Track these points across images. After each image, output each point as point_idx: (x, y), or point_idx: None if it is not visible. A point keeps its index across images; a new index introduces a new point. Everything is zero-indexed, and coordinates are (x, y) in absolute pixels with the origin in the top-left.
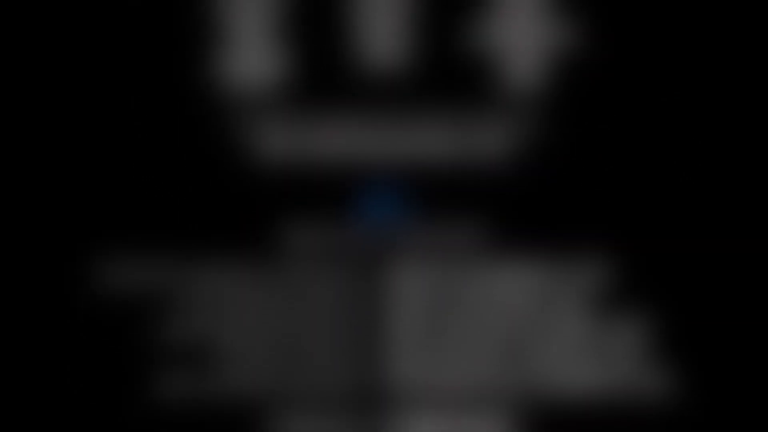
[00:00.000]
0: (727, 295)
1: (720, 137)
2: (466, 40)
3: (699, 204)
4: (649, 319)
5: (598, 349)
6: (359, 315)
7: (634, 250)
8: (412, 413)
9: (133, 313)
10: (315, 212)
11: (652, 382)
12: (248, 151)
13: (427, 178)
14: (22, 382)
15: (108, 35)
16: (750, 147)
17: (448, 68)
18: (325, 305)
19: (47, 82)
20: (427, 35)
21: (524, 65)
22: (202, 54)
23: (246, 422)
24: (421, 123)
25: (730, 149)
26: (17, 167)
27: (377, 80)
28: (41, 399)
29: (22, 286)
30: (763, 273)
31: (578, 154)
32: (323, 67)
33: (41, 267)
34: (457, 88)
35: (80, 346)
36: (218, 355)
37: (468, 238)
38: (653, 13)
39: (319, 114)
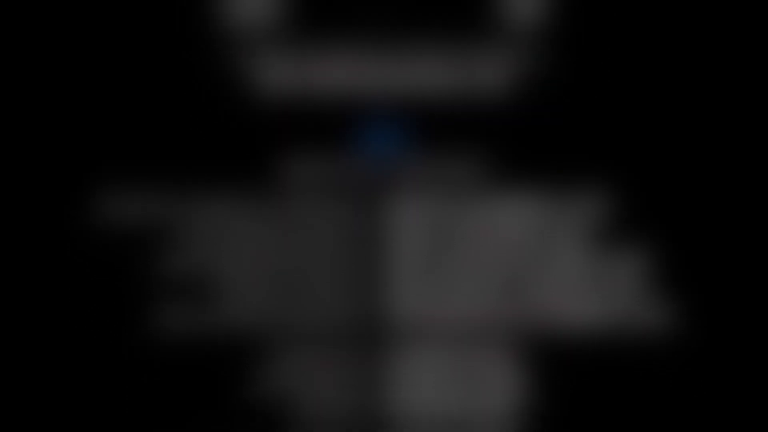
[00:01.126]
0: (726, 227)
1: (723, 72)
2: None
3: (700, 136)
4: (649, 251)
5: (598, 281)
6: (359, 248)
7: (634, 182)
8: (413, 347)
9: (133, 245)
10: (315, 145)
11: (652, 314)
12: (248, 84)
13: (426, 110)
14: (21, 314)
15: None
16: (752, 84)
17: (449, 0)
18: (324, 238)
19: (49, 13)
20: None
21: None
22: None
23: (246, 355)
24: (421, 56)
25: (733, 85)
26: (18, 98)
27: (377, 14)
28: (41, 331)
29: (23, 218)
30: (763, 205)
31: (579, 86)
32: (323, 0)
33: (41, 199)
34: (458, 20)
35: (80, 278)
36: (218, 288)
37: (468, 171)
38: None
39: (319, 48)
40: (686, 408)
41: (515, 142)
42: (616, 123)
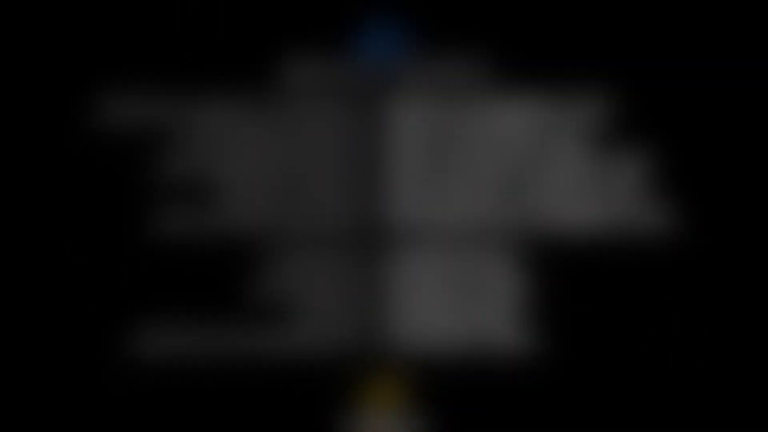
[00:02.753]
0: (725, 130)
1: None
2: None
3: (699, 40)
4: (649, 154)
5: (598, 184)
6: (359, 151)
7: (634, 86)
8: (412, 250)
9: (134, 149)
10: (315, 47)
11: (651, 216)
12: None
13: (427, 11)
14: (22, 213)
15: None
16: None
17: None
18: (324, 142)
19: None
20: None
21: None
22: None
23: (245, 259)
24: None
25: None
26: (17, 5)
27: None
28: (42, 229)
29: (25, 121)
30: (763, 111)
31: None
32: None
33: (44, 104)
34: None
35: (81, 181)
36: (218, 192)
37: (469, 73)
38: None
39: None
40: (684, 307)
41: (517, 44)
42: (617, 27)
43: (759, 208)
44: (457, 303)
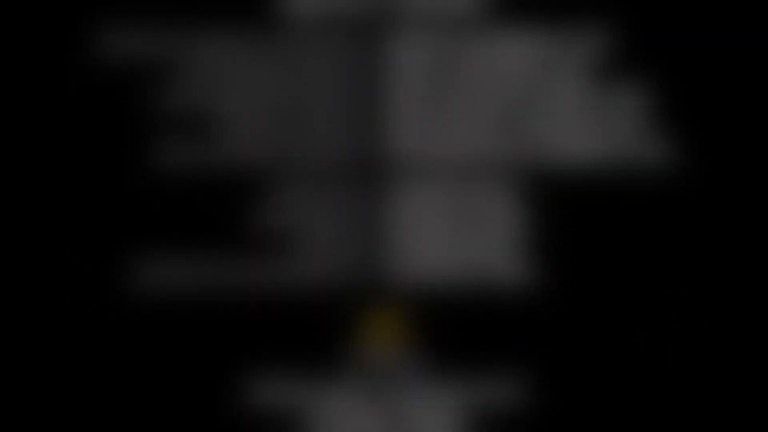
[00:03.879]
0: (727, 61)
1: None
2: None
3: None
4: (649, 86)
5: (598, 116)
6: (359, 83)
7: (635, 16)
8: (412, 182)
9: (133, 82)
10: None
11: (652, 149)
12: None
13: None
14: (22, 149)
15: None
16: None
17: None
18: (324, 73)
19: None
20: None
21: None
22: None
23: (245, 191)
24: None
25: None
26: None
27: None
28: (41, 165)
29: (24, 55)
30: (763, 41)
31: None
32: None
33: (39, 33)
34: None
35: (81, 115)
36: (218, 124)
37: (469, 5)
38: None
39: None
40: (684, 242)
41: None
42: None
43: (761, 140)
44: (457, 235)
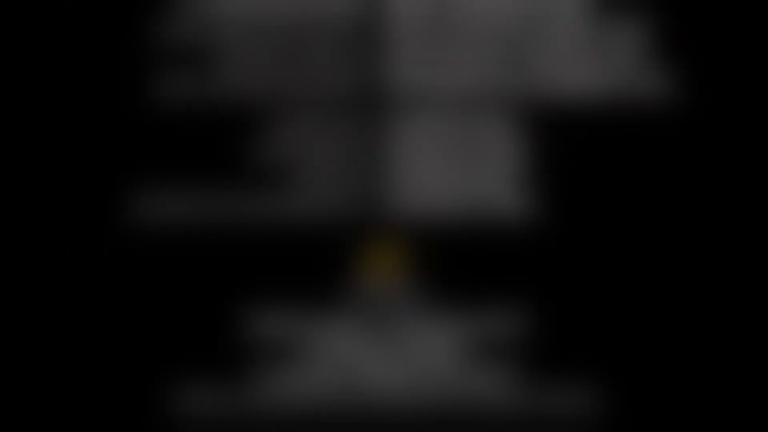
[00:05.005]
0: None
1: None
2: None
3: None
4: (649, 19)
5: (598, 50)
6: (360, 16)
7: None
8: (412, 115)
9: (132, 12)
10: None
11: (651, 82)
12: None
13: None
14: (18, 82)
15: None
16: None
17: None
18: (325, 5)
19: None
20: None
21: None
22: None
23: (245, 124)
24: None
25: None
26: None
27: None
28: (41, 95)
29: None
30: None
31: None
32: None
33: None
34: None
35: (81, 46)
36: (218, 57)
37: None
38: None
39: None
40: (682, 175)
41: None
42: None
43: (760, 72)
44: (457, 168)
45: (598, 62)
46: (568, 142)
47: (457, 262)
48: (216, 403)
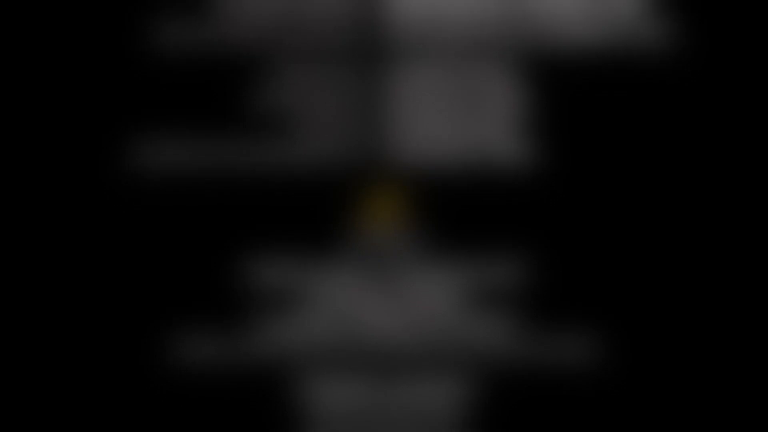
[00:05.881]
0: None
1: None
2: None
3: None
4: None
5: None
6: None
7: None
8: (413, 62)
9: None
10: None
11: (652, 30)
12: None
13: None
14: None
15: None
16: None
17: None
18: None
19: None
20: None
21: None
22: None
23: (245, 72)
24: None
25: None
26: None
27: None
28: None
29: None
30: None
31: None
32: None
33: None
34: None
35: None
36: (217, 4)
37: None
38: None
39: None
40: (682, 122)
41: None
42: None
43: (760, 22)
44: (457, 115)
45: (599, 10)
46: (568, 89)
47: (458, 210)
48: (216, 350)
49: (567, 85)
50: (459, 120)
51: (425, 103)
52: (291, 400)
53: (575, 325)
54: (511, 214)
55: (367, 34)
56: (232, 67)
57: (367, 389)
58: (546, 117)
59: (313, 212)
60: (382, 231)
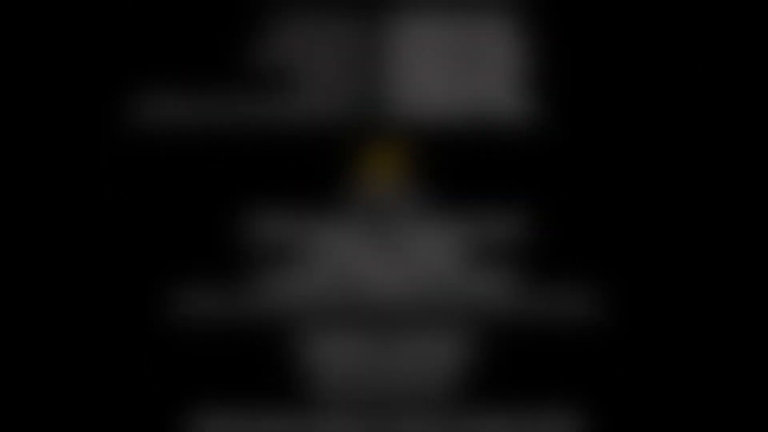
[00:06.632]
0: None
1: None
2: None
3: None
4: None
5: None
6: None
7: None
8: (413, 16)
9: None
10: None
11: None
12: None
13: None
14: None
15: None
16: None
17: None
18: None
19: None
20: None
21: None
22: None
23: (245, 25)
24: None
25: None
26: None
27: None
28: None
29: None
30: None
31: None
32: None
33: None
34: None
35: None
36: None
37: None
38: None
39: None
40: (685, 79)
41: None
42: None
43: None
44: (458, 69)
45: None
46: (568, 42)
47: (458, 165)
48: (217, 305)
49: (568, 38)
50: (459, 75)
51: (426, 57)
52: (291, 355)
53: (575, 280)
54: (511, 169)
55: None
56: (232, 20)
57: (367, 344)
58: (546, 71)
59: (314, 167)
60: (382, 186)
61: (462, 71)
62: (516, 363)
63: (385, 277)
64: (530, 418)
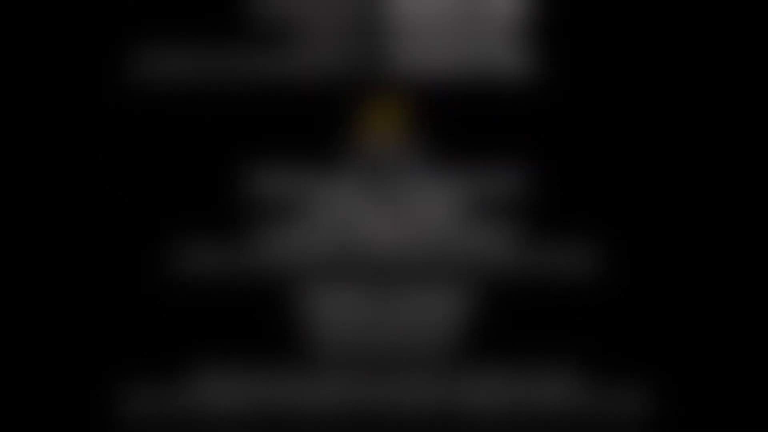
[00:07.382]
0: None
1: None
2: None
3: None
4: None
5: None
6: None
7: None
8: None
9: None
10: None
11: None
12: None
13: None
14: None
15: None
16: None
17: None
18: None
19: None
20: None
21: None
22: None
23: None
24: None
25: None
26: None
27: None
28: None
29: None
30: None
31: None
32: None
33: None
34: None
35: None
36: None
37: None
38: None
39: None
40: (682, 50)
41: None
42: None
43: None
44: (458, 26)
45: None
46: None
47: (458, 121)
48: (217, 261)
49: None
50: (459, 30)
51: (426, 13)
52: (291, 310)
53: (574, 234)
54: (511, 126)
55: None
56: None
57: (367, 299)
58: (546, 27)
59: (314, 123)
60: (382, 142)
61: (462, 27)
62: (515, 318)
63: (386, 233)
64: (529, 372)
